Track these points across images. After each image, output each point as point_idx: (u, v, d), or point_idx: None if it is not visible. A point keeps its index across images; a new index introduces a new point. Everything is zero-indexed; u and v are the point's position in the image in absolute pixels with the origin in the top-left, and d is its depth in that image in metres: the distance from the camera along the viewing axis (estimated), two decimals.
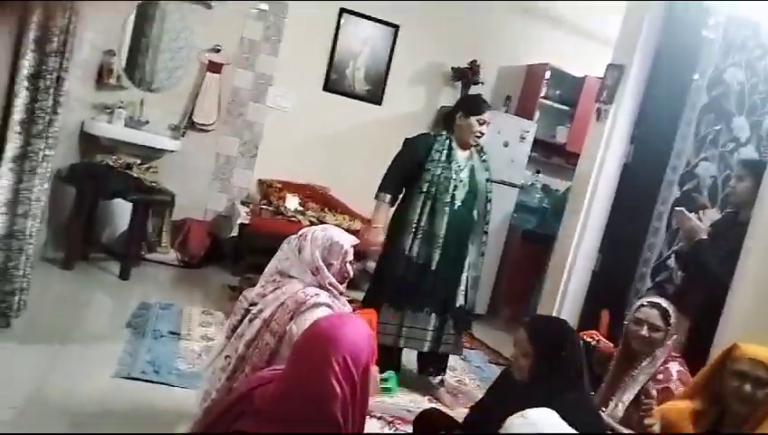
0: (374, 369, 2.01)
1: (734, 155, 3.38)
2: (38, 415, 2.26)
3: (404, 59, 5.20)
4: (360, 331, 1.65)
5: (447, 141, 3.10)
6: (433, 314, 3.08)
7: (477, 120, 3.08)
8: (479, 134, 3.10)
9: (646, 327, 2.27)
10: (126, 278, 3.95)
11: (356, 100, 5.16)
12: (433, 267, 3.03)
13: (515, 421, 1.59)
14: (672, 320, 2.27)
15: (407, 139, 3.24)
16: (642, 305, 2.32)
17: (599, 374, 2.49)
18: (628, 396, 2.23)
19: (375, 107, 5.21)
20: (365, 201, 5.10)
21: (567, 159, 5.29)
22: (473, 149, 3.15)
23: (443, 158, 3.06)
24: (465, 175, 3.09)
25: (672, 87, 3.32)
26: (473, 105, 3.15)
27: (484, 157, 3.19)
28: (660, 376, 2.22)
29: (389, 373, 3.00)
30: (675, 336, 2.30)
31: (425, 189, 3.03)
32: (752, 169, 2.62)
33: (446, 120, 3.23)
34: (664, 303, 2.31)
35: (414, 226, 3.03)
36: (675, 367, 2.22)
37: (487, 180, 3.18)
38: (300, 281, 2.14)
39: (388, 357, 2.95)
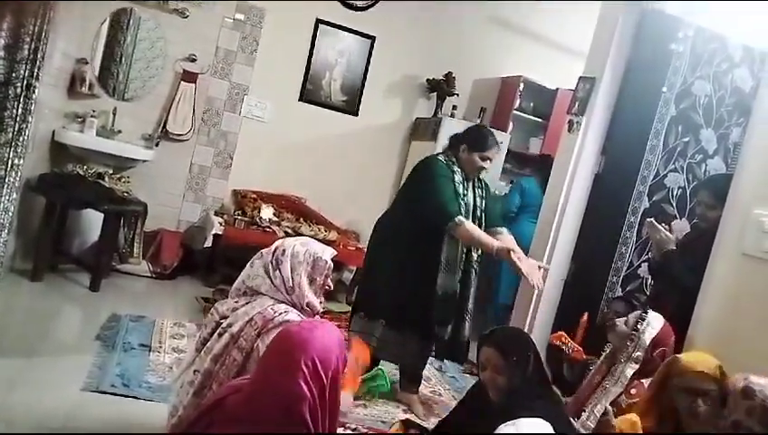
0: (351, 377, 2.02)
1: (701, 166, 3.45)
2: (5, 429, 2.21)
3: (380, 70, 5.23)
4: (330, 335, 1.66)
5: (460, 171, 3.05)
6: (416, 337, 3.07)
7: (480, 157, 3.04)
8: (480, 169, 3.07)
9: (623, 318, 2.34)
10: (96, 290, 3.88)
11: (332, 110, 5.18)
12: (456, 298, 3.04)
13: (506, 429, 1.59)
14: (641, 330, 2.27)
15: (433, 160, 3.09)
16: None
17: (571, 382, 2.51)
18: (600, 408, 2.24)
19: (351, 118, 5.23)
20: (341, 211, 5.14)
21: (534, 169, 5.32)
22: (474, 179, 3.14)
23: (460, 189, 3.02)
24: (471, 202, 3.09)
25: (642, 99, 3.38)
26: (478, 141, 3.06)
27: (482, 187, 3.17)
28: (633, 390, 2.22)
29: (378, 369, 2.97)
30: (647, 353, 2.29)
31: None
32: (721, 196, 2.63)
33: (451, 145, 3.16)
34: (652, 314, 2.32)
35: (438, 258, 2.98)
36: (648, 382, 2.22)
37: (482, 209, 3.14)
38: (270, 297, 2.11)
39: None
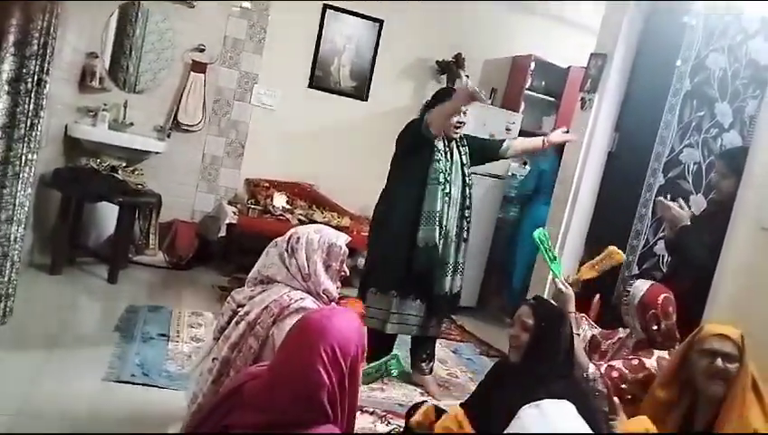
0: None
1: (717, 141, 3.39)
2: (30, 421, 2.25)
3: (389, 54, 5.20)
4: (350, 322, 1.65)
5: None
6: (419, 300, 3.09)
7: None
8: (458, 124, 3.10)
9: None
10: (114, 282, 3.92)
11: (342, 96, 5.16)
12: (441, 255, 3.05)
13: (529, 411, 1.57)
14: (630, 298, 2.30)
15: (411, 122, 3.21)
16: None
17: None
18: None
19: (361, 103, 5.21)
20: (353, 197, 5.13)
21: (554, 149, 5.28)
22: (455, 139, 3.15)
23: (441, 147, 3.06)
24: (458, 160, 3.12)
25: (655, 74, 3.33)
26: (447, 98, 3.14)
27: (464, 144, 3.19)
28: (641, 352, 2.23)
29: (393, 354, 2.97)
30: (641, 320, 2.30)
31: (434, 178, 3.01)
32: (734, 166, 2.61)
33: (424, 113, 3.20)
34: (638, 282, 2.37)
35: (432, 215, 3.01)
36: (659, 352, 2.22)
37: (468, 168, 3.18)
38: (286, 285, 2.11)
39: (382, 343, 2.96)
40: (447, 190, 3.05)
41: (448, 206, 3.05)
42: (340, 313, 1.70)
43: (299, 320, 1.72)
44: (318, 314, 1.69)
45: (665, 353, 2.21)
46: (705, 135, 3.37)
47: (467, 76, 2.86)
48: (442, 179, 3.02)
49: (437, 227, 3.00)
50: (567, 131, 3.31)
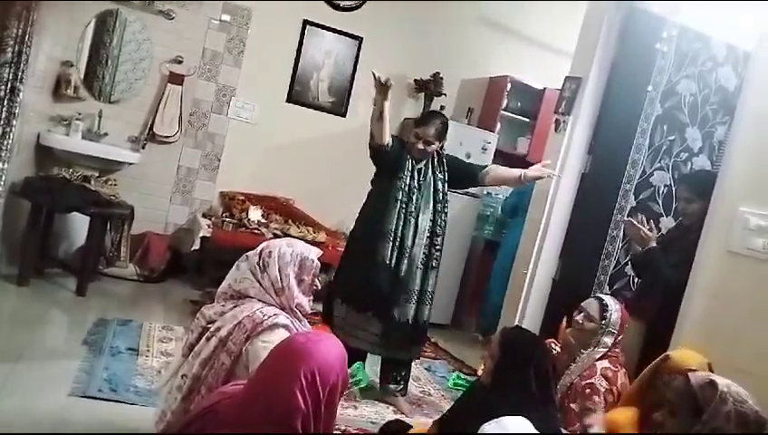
0: None
1: (687, 165, 3.48)
2: None
3: (367, 71, 5.20)
4: (334, 351, 1.63)
5: (408, 155, 3.08)
6: (376, 318, 3.04)
7: (414, 134, 3.06)
8: (416, 148, 3.05)
9: (582, 314, 2.41)
10: (83, 294, 3.85)
11: (320, 111, 5.16)
12: (402, 274, 3.01)
13: (489, 426, 1.60)
14: (609, 316, 2.35)
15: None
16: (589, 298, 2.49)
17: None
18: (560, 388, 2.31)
19: (339, 118, 5.22)
20: (330, 212, 5.13)
21: None
22: (434, 159, 3.12)
23: (407, 166, 3.05)
24: (426, 187, 3.08)
25: (627, 99, 3.41)
26: (420, 117, 3.17)
27: (443, 169, 3.14)
28: (586, 372, 2.28)
29: (357, 364, 2.94)
30: (615, 336, 2.36)
31: (393, 196, 3.01)
32: (699, 191, 2.69)
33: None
34: (608, 299, 2.42)
35: (386, 232, 2.99)
36: (601, 364, 2.28)
37: (445, 193, 3.14)
38: (259, 300, 2.09)
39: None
40: (411, 210, 3.02)
41: (411, 226, 3.02)
42: (327, 339, 1.68)
43: (285, 340, 1.70)
44: (304, 337, 1.66)
45: (606, 363, 2.29)
46: (676, 159, 3.46)
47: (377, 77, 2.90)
48: (402, 197, 3.01)
49: (389, 244, 2.97)
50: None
